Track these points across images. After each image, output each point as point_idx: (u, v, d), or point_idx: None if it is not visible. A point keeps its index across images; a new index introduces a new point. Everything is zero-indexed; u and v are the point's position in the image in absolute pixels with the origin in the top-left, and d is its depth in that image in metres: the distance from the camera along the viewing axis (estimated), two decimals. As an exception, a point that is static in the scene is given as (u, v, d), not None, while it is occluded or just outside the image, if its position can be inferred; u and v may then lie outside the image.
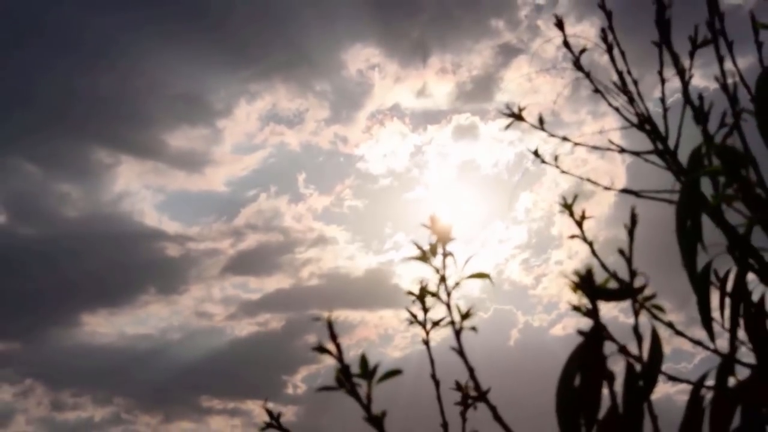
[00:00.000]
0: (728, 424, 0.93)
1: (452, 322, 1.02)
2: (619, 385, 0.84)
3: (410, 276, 1.07)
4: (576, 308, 0.82)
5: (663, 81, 1.46)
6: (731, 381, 0.97)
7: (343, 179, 18.45)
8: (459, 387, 1.25)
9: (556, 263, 13.53)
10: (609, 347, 0.84)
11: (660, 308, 0.90)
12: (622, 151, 1.55)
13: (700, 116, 1.34)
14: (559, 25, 1.63)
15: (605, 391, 0.83)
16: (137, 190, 17.88)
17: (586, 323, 0.82)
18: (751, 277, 1.15)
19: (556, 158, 1.62)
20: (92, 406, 14.49)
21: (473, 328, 1.02)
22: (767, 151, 1.20)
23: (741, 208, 1.12)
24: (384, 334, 14.21)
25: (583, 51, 1.58)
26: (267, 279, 17.17)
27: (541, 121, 1.61)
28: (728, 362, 1.00)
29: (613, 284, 0.84)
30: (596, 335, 0.82)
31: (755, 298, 1.12)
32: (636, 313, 0.86)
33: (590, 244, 1.27)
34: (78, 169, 18.21)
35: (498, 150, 15.85)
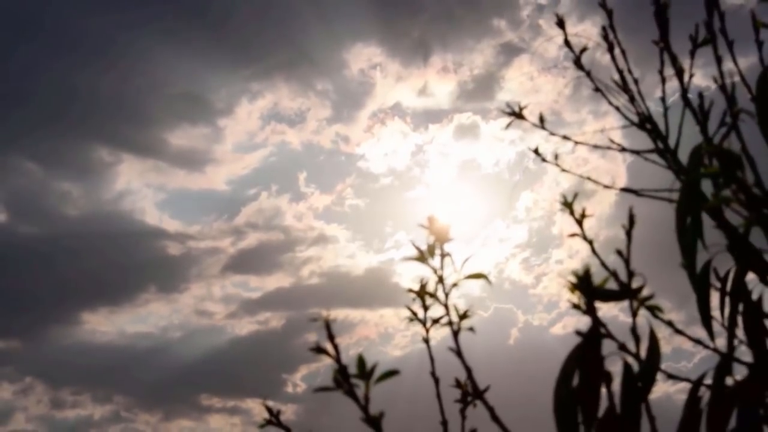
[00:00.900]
0: (725, 424, 0.93)
1: (450, 323, 1.02)
2: (617, 385, 0.85)
3: (410, 275, 1.07)
4: (576, 306, 0.82)
5: (663, 80, 1.46)
6: (729, 380, 0.98)
7: (344, 178, 18.46)
8: (458, 385, 1.25)
9: (557, 262, 13.53)
10: (609, 346, 0.84)
11: (658, 308, 0.91)
12: (622, 150, 1.55)
13: (699, 116, 1.34)
14: (561, 24, 1.63)
15: (603, 390, 0.83)
16: (138, 188, 17.88)
17: (586, 323, 0.83)
18: (750, 276, 1.15)
19: (556, 157, 1.61)
20: (92, 404, 14.52)
21: (471, 329, 1.02)
22: (767, 151, 1.20)
23: (740, 208, 1.12)
24: (384, 333, 14.23)
25: (584, 50, 1.58)
26: (267, 278, 17.15)
27: (542, 120, 1.61)
28: (726, 362, 1.00)
29: (611, 284, 0.84)
30: (594, 336, 0.82)
31: (755, 297, 1.13)
32: (634, 314, 0.86)
33: (590, 242, 1.27)
34: (79, 168, 18.21)
35: (499, 149, 15.86)
